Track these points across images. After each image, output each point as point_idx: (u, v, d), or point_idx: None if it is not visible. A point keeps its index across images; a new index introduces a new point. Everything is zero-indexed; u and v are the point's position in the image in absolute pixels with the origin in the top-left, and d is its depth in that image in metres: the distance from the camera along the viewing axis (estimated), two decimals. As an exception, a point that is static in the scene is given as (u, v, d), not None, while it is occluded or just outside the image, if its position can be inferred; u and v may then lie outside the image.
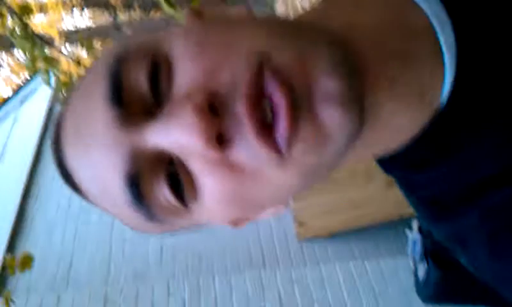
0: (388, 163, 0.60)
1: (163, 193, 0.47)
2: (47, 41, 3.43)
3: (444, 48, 0.49)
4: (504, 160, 0.52)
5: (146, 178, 0.46)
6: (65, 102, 0.52)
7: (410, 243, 2.81)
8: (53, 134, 0.53)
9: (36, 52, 3.15)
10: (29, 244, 4.24)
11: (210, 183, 0.45)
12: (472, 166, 0.54)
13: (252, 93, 0.41)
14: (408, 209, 2.73)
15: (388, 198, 3.39)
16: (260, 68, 0.42)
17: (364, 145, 0.50)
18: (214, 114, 0.42)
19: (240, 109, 0.41)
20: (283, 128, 0.41)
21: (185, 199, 0.47)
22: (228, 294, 3.59)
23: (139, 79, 0.45)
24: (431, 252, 2.63)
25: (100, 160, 0.46)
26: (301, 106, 0.42)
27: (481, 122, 0.52)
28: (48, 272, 3.98)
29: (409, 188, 0.62)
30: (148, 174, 0.46)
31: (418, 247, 2.73)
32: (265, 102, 0.42)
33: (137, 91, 0.45)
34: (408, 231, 2.83)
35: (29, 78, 6.97)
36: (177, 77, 0.44)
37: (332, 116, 0.42)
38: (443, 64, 0.49)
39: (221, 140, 0.42)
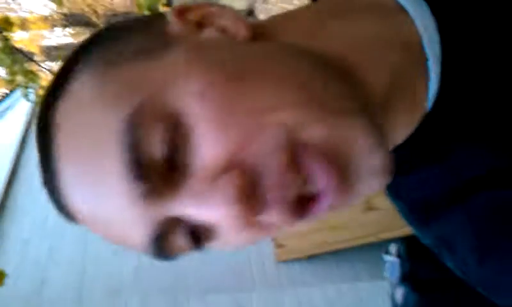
0: None
1: (181, 242, 0.48)
2: (28, 57, 3.42)
3: (429, 55, 0.50)
4: (489, 163, 0.53)
5: (168, 236, 0.47)
6: (47, 132, 0.49)
7: (388, 266, 2.82)
8: (45, 178, 0.51)
9: (16, 67, 3.14)
10: (2, 260, 4.16)
11: (229, 239, 0.47)
12: (458, 169, 0.55)
13: (285, 178, 0.43)
14: (385, 232, 2.73)
15: (367, 221, 3.41)
16: (289, 144, 0.43)
17: None
18: (249, 196, 0.43)
19: (274, 194, 0.43)
20: (326, 206, 0.45)
21: (202, 245, 0.49)
22: (203, 315, 3.55)
23: (154, 148, 0.43)
24: (409, 276, 2.64)
25: (122, 229, 0.47)
26: (349, 186, 0.44)
27: (467, 126, 0.52)
28: (21, 288, 3.89)
29: (396, 192, 0.62)
30: (170, 233, 0.47)
31: (396, 271, 2.73)
32: (300, 175, 0.43)
33: (154, 161, 0.43)
34: (385, 255, 2.84)
35: (7, 93, 6.92)
36: (198, 148, 0.43)
37: (373, 187, 0.46)
38: (429, 70, 0.50)
39: (250, 221, 0.44)
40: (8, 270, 2.46)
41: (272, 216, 0.44)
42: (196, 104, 0.43)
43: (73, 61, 0.50)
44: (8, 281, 2.46)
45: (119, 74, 0.47)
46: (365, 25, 0.52)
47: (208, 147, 0.43)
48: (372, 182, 0.45)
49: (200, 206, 0.44)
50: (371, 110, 0.47)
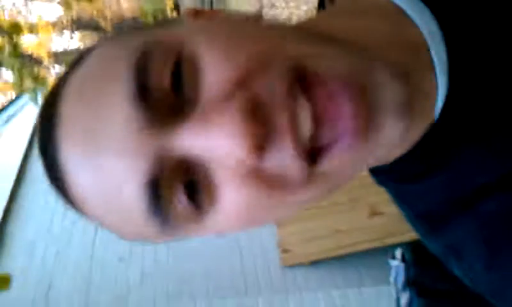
0: (382, 174, 0.60)
1: (180, 200, 0.44)
2: (36, 61, 3.43)
3: (435, 62, 0.49)
4: (498, 169, 0.52)
5: (166, 184, 0.43)
6: (56, 94, 0.48)
7: (393, 271, 2.81)
8: (42, 129, 0.49)
9: (25, 71, 3.14)
10: (9, 264, 4.17)
11: (232, 193, 0.43)
12: (466, 176, 0.54)
13: (292, 104, 0.40)
14: (390, 237, 2.71)
15: (372, 226, 3.40)
16: (298, 74, 0.41)
17: None
18: (258, 119, 0.40)
19: (282, 121, 0.40)
20: (348, 142, 0.41)
21: (202, 207, 0.45)
22: (209, 320, 3.55)
23: (163, 78, 0.42)
24: (414, 281, 2.63)
25: (115, 163, 0.43)
26: (371, 120, 0.41)
27: (475, 133, 0.52)
28: (27, 292, 3.90)
29: (403, 200, 0.61)
30: (168, 180, 0.43)
31: (401, 276, 2.73)
32: (304, 108, 0.41)
33: (161, 90, 0.42)
34: (390, 260, 2.83)
35: (15, 97, 6.96)
36: (207, 76, 0.42)
37: (397, 126, 0.43)
38: (436, 78, 0.50)
39: (260, 148, 0.40)
40: (15, 274, 2.48)
41: (282, 152, 0.41)
42: (206, 39, 0.44)
43: (92, 47, 0.51)
44: (14, 285, 2.48)
45: (132, 35, 0.49)
46: (367, 25, 0.52)
47: (214, 72, 0.42)
48: (394, 119, 0.42)
49: (203, 129, 0.41)
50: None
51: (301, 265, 3.73)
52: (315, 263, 3.71)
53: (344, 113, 0.40)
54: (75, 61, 0.50)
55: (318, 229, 3.50)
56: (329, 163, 0.42)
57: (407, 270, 2.69)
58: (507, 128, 0.52)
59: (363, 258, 3.61)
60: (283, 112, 0.40)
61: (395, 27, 0.51)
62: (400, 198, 0.62)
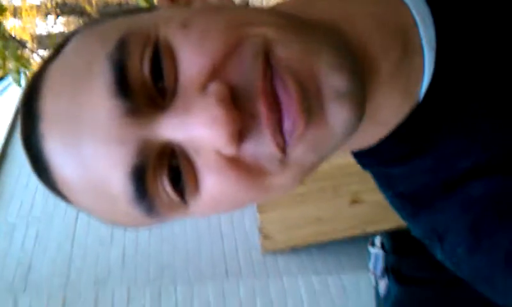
0: (365, 157, 0.60)
1: (164, 187, 0.46)
2: (20, 42, 3.39)
3: (424, 43, 0.50)
4: (483, 153, 0.53)
5: (151, 172, 0.45)
6: (36, 87, 0.48)
7: (372, 259, 2.84)
8: (25, 124, 0.49)
9: (8, 52, 3.11)
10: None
11: (212, 181, 0.45)
12: (451, 159, 0.54)
13: (268, 90, 0.42)
14: (371, 225, 2.74)
15: (353, 214, 3.43)
16: (267, 58, 0.42)
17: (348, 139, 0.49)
18: (234, 106, 0.41)
19: (260, 108, 0.41)
20: (295, 131, 0.42)
21: (185, 194, 0.46)
22: (189, 303, 3.54)
23: (142, 68, 0.43)
24: (392, 268, 2.66)
25: (100, 154, 0.43)
26: (312, 107, 0.42)
27: (460, 115, 0.52)
28: (6, 274, 3.88)
29: (387, 183, 0.62)
30: (152, 168, 0.44)
31: (380, 263, 2.75)
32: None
33: (141, 81, 0.43)
34: (370, 247, 2.86)
35: (-3, 79, 6.87)
36: (183, 66, 0.43)
37: (340, 114, 0.43)
38: (423, 59, 0.51)
39: (239, 134, 0.41)
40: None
41: (262, 139, 0.42)
42: (179, 29, 0.44)
43: (69, 35, 0.52)
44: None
45: (107, 23, 0.49)
46: (353, 5, 0.52)
47: (189, 63, 0.43)
48: (338, 108, 0.42)
49: (183, 121, 0.42)
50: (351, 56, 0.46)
51: (281, 251, 3.74)
52: (295, 250, 3.73)
53: (288, 100, 0.42)
54: (53, 51, 0.50)
55: (299, 216, 3.52)
56: (295, 149, 0.44)
57: (385, 257, 2.72)
58: (492, 112, 0.52)
59: (344, 245, 3.63)
60: (262, 99, 0.42)
61: (385, 7, 0.52)
62: (384, 181, 0.62)
